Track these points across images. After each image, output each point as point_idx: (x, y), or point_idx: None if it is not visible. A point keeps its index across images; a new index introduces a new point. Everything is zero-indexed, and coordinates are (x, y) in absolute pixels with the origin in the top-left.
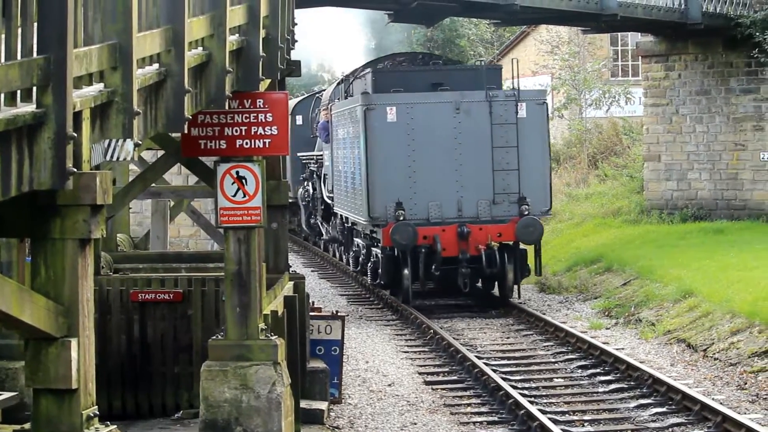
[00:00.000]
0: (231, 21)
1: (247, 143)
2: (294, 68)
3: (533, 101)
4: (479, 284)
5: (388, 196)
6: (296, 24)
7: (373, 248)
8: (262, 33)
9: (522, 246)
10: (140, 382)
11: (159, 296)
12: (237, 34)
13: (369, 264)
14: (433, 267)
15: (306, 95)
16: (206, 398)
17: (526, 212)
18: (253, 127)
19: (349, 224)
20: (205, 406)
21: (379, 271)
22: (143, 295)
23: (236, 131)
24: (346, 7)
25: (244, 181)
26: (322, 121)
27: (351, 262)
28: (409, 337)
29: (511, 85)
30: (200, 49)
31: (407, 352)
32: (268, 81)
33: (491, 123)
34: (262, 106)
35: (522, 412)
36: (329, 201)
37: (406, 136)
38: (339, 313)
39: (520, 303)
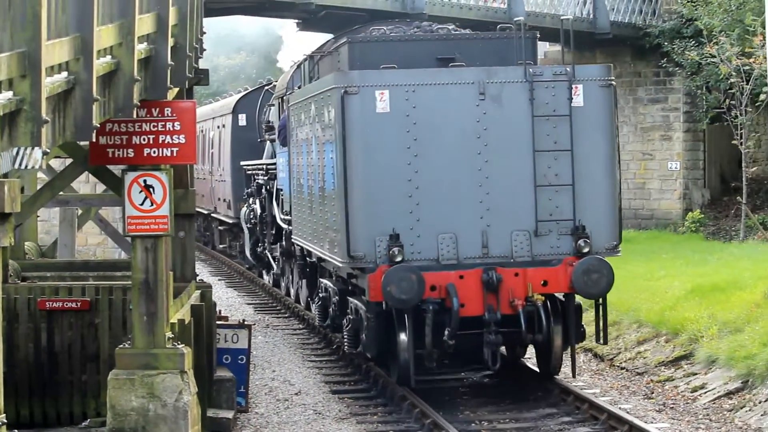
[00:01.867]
0: (140, 29)
1: (154, 152)
2: (202, 77)
3: (595, 82)
4: (503, 349)
5: (378, 224)
6: (204, 33)
7: (350, 298)
8: (171, 41)
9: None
10: (48, 391)
11: (66, 304)
12: (145, 43)
13: (345, 322)
14: (447, 333)
15: (251, 89)
16: (113, 407)
17: (586, 249)
18: (160, 136)
19: (313, 258)
20: (112, 414)
21: (363, 336)
22: (51, 303)
23: (144, 140)
24: (255, 15)
25: (151, 189)
26: (281, 118)
27: (317, 312)
28: (315, 346)
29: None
30: (109, 57)
31: (314, 360)
32: (176, 89)
33: (532, 115)
34: (170, 114)
35: None
36: (284, 225)
37: (405, 135)
38: (246, 322)
39: (574, 385)
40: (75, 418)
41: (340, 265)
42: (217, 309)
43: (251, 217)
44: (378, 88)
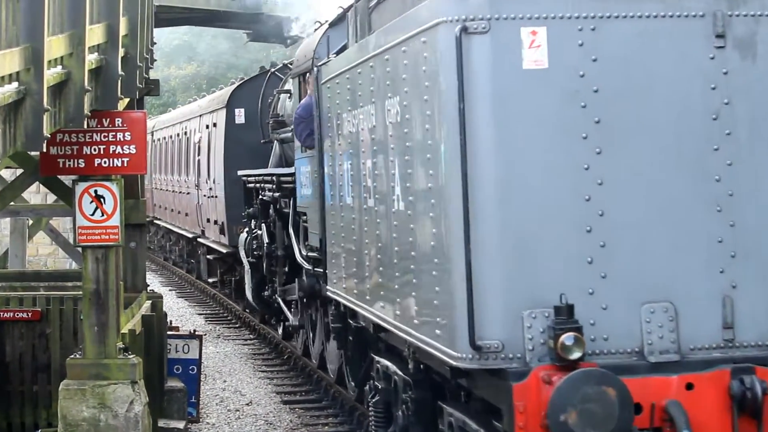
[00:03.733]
0: (90, 40)
1: (105, 162)
2: (153, 87)
3: None
4: None
5: (529, 286)
6: (155, 43)
7: (452, 411)
8: (121, 52)
9: None
10: None
11: (17, 315)
12: (96, 53)
13: None
14: None
15: (246, 78)
16: (64, 417)
17: None
18: (111, 146)
19: (363, 323)
20: (63, 424)
21: None
22: (2, 313)
23: (95, 150)
24: (205, 26)
25: (102, 200)
26: (301, 106)
27: (372, 412)
28: (266, 357)
29: None
30: (59, 67)
31: (265, 371)
32: (127, 100)
33: None
34: (120, 125)
35: None
36: (307, 264)
37: (578, 113)
38: (197, 332)
39: None
40: (26, 429)
41: (448, 359)
42: (168, 319)
43: (254, 247)
44: (527, 22)
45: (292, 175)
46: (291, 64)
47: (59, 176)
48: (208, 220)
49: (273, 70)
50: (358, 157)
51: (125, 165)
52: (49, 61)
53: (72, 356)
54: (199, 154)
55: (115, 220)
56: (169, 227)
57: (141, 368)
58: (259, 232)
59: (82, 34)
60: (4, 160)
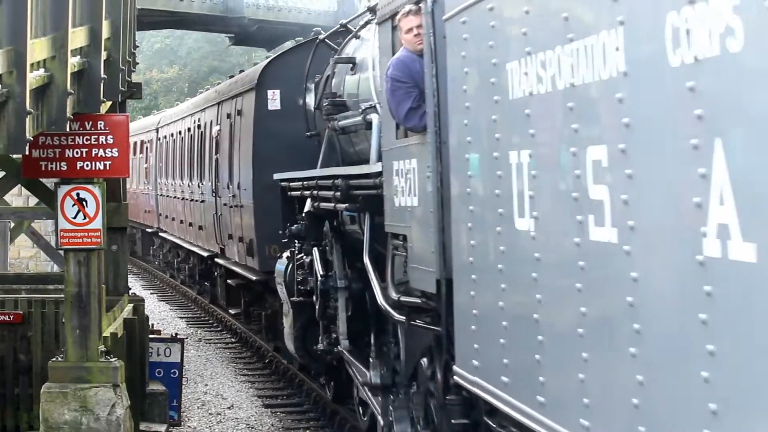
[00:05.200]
0: (73, 43)
1: (87, 165)
2: (135, 90)
3: None
4: None
5: None
6: (137, 46)
7: None
8: (104, 55)
9: None
10: None
11: None
12: (79, 56)
13: None
14: None
15: (278, 51)
16: (46, 420)
17: None
18: (93, 149)
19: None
20: (45, 428)
21: None
22: None
23: (77, 153)
24: (187, 29)
25: (84, 203)
26: (398, 60)
27: None
28: (248, 360)
29: None
30: (42, 70)
31: (246, 374)
32: (110, 103)
33: None
34: (102, 128)
35: None
36: (398, 315)
37: None
38: (178, 336)
39: None
40: (7, 431)
41: None
42: (150, 322)
43: (300, 278)
44: None
45: (374, 176)
46: (349, 26)
47: (41, 179)
48: (230, 236)
49: (322, 36)
50: (557, 145)
51: (107, 168)
52: (32, 64)
53: (54, 359)
54: (217, 152)
55: (98, 223)
56: (177, 242)
57: (123, 371)
58: (310, 259)
59: (64, 37)
60: None
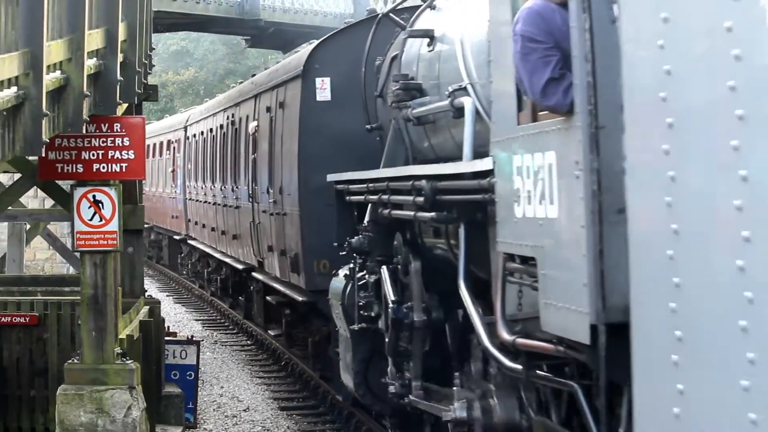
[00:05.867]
0: (89, 45)
1: (103, 167)
2: (151, 92)
3: None
4: None
5: None
6: (153, 48)
7: None
8: (120, 57)
9: None
10: None
11: (15, 319)
12: (95, 58)
13: None
14: None
15: (329, 33)
16: (62, 422)
17: None
18: (110, 152)
19: None
20: (60, 430)
21: None
22: None
23: (93, 155)
24: (204, 31)
25: (100, 205)
26: (528, 14)
27: None
28: (264, 363)
29: None
30: (58, 72)
31: (262, 377)
32: (126, 105)
33: None
34: (119, 130)
35: None
36: (510, 363)
37: None
38: (194, 338)
39: None
40: None
41: None
42: (166, 325)
43: (363, 302)
44: None
45: (475, 176)
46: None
47: (57, 181)
48: (270, 248)
49: (385, 10)
50: None
51: (124, 170)
52: (48, 66)
53: (70, 361)
54: (254, 151)
55: (114, 226)
56: (208, 251)
57: (139, 374)
58: (373, 278)
59: (81, 39)
60: (2, 164)
